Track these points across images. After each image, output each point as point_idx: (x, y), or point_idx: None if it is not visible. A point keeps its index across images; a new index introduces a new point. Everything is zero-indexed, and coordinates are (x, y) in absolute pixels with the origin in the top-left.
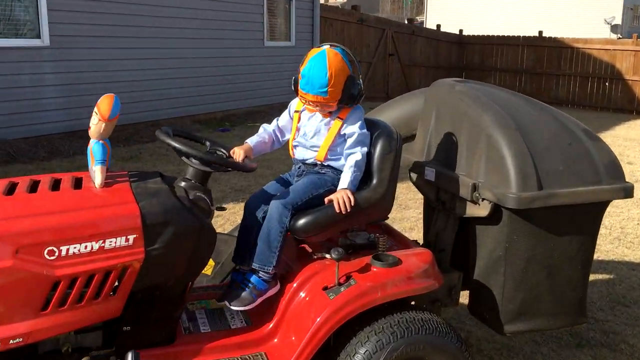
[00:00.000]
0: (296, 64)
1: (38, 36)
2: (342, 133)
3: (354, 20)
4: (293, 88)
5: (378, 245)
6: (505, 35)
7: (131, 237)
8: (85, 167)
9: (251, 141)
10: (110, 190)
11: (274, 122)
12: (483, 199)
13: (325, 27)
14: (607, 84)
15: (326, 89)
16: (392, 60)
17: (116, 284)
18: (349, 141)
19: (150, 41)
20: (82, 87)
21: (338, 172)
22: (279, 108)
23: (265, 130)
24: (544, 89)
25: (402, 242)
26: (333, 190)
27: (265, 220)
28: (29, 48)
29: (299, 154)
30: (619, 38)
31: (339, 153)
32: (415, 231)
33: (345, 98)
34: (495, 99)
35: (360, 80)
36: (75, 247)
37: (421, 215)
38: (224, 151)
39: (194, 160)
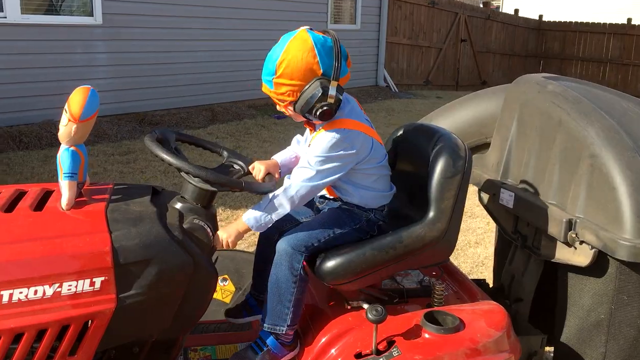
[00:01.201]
0: (361, 48)
1: (91, 14)
2: None
3: (425, 2)
4: None
5: (433, 293)
6: (590, 22)
7: (98, 280)
8: (134, 156)
9: (279, 156)
10: (78, 213)
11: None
12: (582, 242)
13: (394, 10)
14: None
15: (271, 78)
16: (464, 47)
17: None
18: (297, 166)
19: (207, 22)
20: (133, 68)
21: (365, 210)
22: None
23: (299, 143)
24: (631, 81)
25: (464, 287)
26: (361, 229)
27: (272, 264)
28: (80, 26)
29: None
30: None
31: (343, 185)
32: (481, 246)
33: (302, 106)
34: (602, 104)
35: (335, 92)
36: (21, 292)
37: (490, 227)
38: (243, 165)
39: (192, 176)
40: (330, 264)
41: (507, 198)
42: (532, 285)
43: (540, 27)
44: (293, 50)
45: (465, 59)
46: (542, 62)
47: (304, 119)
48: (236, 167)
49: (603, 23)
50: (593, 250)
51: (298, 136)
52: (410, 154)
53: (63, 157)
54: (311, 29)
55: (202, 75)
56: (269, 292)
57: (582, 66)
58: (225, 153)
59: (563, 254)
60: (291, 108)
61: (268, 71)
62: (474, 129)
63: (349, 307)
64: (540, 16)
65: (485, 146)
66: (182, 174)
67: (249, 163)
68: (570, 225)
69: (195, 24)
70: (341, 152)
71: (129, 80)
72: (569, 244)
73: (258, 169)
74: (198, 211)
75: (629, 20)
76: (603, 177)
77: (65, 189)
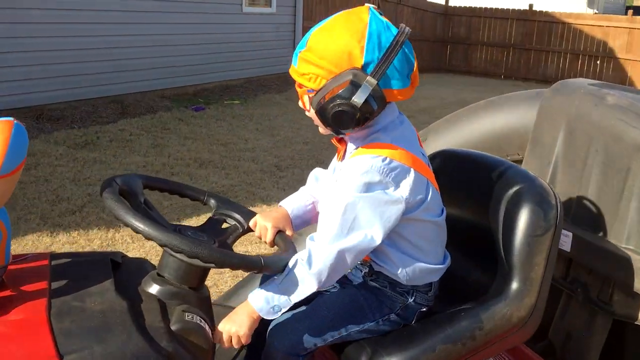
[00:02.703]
0: (276, 32)
1: None
2: None
3: None
4: None
5: None
6: (494, 8)
7: None
8: (34, 161)
9: (289, 204)
10: (3, 325)
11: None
12: None
13: None
14: (598, 62)
15: (297, 52)
16: None
17: None
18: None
19: (109, 3)
20: (26, 55)
21: (404, 291)
22: (259, 83)
23: (318, 180)
24: (532, 66)
25: (519, 356)
26: (392, 322)
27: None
28: None
29: None
30: (595, 13)
31: (384, 249)
32: None
33: (319, 100)
34: None
35: (367, 97)
36: None
37: None
38: (241, 220)
39: (187, 256)
40: None
41: (561, 239)
42: (598, 347)
43: (446, 12)
44: (338, 25)
45: None
46: (449, 47)
47: (325, 130)
48: (231, 222)
49: (506, 9)
50: None
51: (317, 170)
52: (465, 197)
53: None
54: (379, 11)
55: (108, 63)
56: None
57: (487, 51)
58: (212, 202)
59: None
60: (308, 99)
61: (300, 43)
62: (490, 144)
63: None
64: (447, 1)
65: None
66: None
67: (248, 217)
68: None
69: (96, 5)
70: (377, 190)
71: (22, 69)
72: None
73: (263, 227)
74: (186, 297)
75: (531, 6)
76: None
77: None
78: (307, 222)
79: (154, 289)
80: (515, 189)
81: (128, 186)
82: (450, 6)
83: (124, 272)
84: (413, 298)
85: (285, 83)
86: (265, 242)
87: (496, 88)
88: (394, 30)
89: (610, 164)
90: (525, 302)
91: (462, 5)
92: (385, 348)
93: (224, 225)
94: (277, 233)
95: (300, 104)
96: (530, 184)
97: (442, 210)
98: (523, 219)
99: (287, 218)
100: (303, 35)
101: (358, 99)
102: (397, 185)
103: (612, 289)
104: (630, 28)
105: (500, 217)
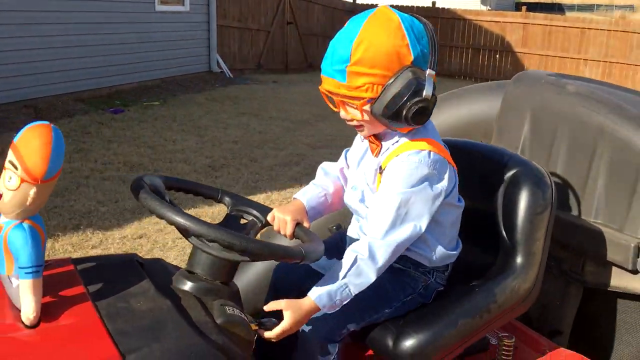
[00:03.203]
0: (191, 31)
1: None
2: None
3: None
4: None
5: (500, 351)
6: (399, 5)
7: None
8: None
9: (303, 195)
10: (58, 331)
11: (342, 156)
12: None
13: None
14: (497, 56)
15: (344, 67)
16: (290, 30)
17: None
18: (370, 210)
19: (18, 2)
20: None
21: (426, 269)
22: (176, 82)
23: (327, 174)
24: (441, 62)
25: (516, 330)
26: (414, 300)
27: (296, 355)
28: None
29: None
30: (489, 10)
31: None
32: None
33: (385, 105)
34: (637, 106)
35: (433, 81)
36: None
37: None
38: (258, 215)
39: (238, 252)
40: (412, 343)
41: None
42: (571, 315)
43: (354, 9)
44: (375, 31)
45: (293, 42)
46: None
47: (372, 132)
48: (248, 217)
49: (411, 6)
50: None
51: (325, 164)
52: (464, 183)
53: (17, 241)
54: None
55: (18, 66)
56: None
57: None
58: (227, 199)
59: (623, 282)
60: (367, 110)
61: (338, 58)
62: (454, 132)
63: None
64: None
65: None
66: (194, 239)
67: (265, 212)
68: (639, 251)
69: (3, 5)
70: (425, 184)
71: None
72: (634, 271)
73: (282, 220)
74: (220, 292)
75: (434, 3)
76: None
77: (27, 292)
78: (320, 213)
79: (187, 286)
80: (512, 172)
81: (155, 186)
82: (358, 4)
83: (150, 271)
84: (434, 277)
85: (203, 82)
86: (285, 235)
87: None
88: (417, 22)
89: (576, 148)
90: (529, 274)
91: (369, 3)
92: (410, 327)
93: (242, 221)
94: (296, 225)
95: (344, 115)
96: (526, 167)
97: (459, 197)
98: (523, 199)
99: (303, 210)
100: (218, 34)
101: (428, 92)
102: (440, 177)
103: (584, 260)
104: (524, 23)
105: (499, 200)
